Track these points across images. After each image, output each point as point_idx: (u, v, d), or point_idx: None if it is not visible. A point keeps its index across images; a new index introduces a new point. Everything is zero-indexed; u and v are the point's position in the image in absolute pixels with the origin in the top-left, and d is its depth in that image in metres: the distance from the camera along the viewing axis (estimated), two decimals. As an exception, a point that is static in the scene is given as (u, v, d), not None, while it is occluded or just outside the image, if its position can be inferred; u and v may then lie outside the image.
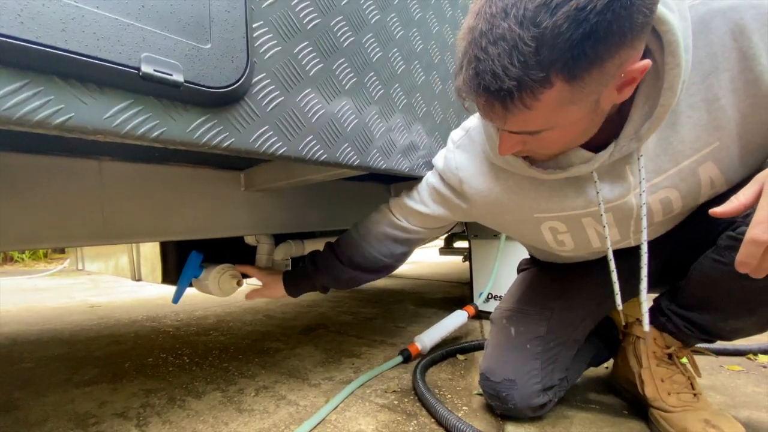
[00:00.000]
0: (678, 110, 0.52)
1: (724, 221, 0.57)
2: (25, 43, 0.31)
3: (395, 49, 0.70)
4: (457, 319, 1.22)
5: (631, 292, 0.78)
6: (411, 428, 0.72)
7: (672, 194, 0.57)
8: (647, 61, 0.42)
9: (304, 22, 0.53)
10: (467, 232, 1.56)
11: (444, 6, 0.84)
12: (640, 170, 0.53)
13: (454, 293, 2.12)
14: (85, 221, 0.72)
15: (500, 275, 1.43)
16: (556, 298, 0.79)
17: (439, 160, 0.72)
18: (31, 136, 0.58)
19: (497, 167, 0.65)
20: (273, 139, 0.50)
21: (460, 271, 3.05)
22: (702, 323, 0.65)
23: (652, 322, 0.75)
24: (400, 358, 1.04)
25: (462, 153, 0.68)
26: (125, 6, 0.37)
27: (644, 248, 0.55)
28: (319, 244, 1.16)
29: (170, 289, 0.99)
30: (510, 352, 0.75)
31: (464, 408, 0.80)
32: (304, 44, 0.53)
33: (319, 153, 0.57)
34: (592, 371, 0.94)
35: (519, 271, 0.96)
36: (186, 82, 0.40)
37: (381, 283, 2.54)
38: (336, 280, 0.82)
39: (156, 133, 0.40)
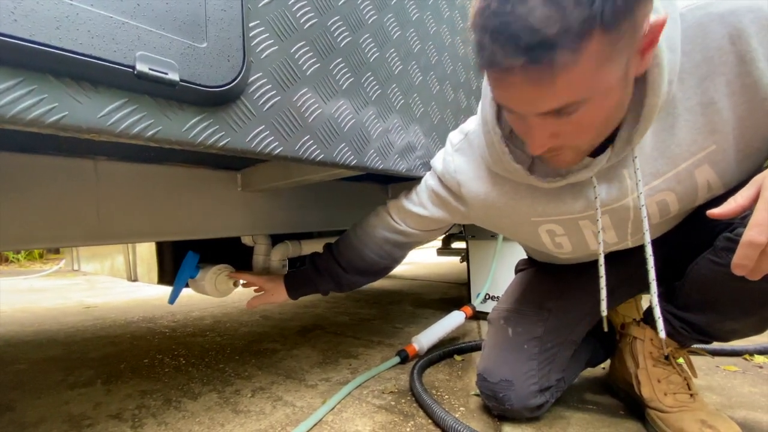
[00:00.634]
0: (675, 113, 0.52)
1: (721, 223, 0.57)
2: (18, 41, 0.31)
3: (392, 50, 0.70)
4: (454, 319, 1.22)
5: (626, 294, 0.78)
6: (408, 429, 0.72)
7: (669, 197, 0.57)
8: (664, 16, 0.41)
9: (301, 21, 0.53)
10: (465, 233, 1.56)
11: (441, 7, 0.84)
12: (636, 171, 0.53)
13: (452, 294, 2.12)
14: (81, 221, 0.72)
15: (497, 276, 1.43)
16: (553, 298, 0.79)
17: (437, 162, 0.72)
18: (26, 135, 0.57)
19: (495, 173, 0.65)
20: (269, 139, 0.50)
21: (458, 271, 3.05)
22: (699, 324, 0.65)
23: (648, 322, 0.75)
24: (397, 359, 1.04)
25: (460, 156, 0.68)
26: (120, 4, 0.36)
27: (648, 251, 0.54)
28: (316, 245, 1.15)
29: (166, 290, 0.98)
30: (507, 352, 0.75)
31: (461, 409, 0.80)
32: (300, 44, 0.53)
33: (316, 153, 0.57)
34: (589, 372, 0.95)
35: (516, 271, 0.96)
36: (181, 81, 0.39)
37: (378, 283, 2.54)
38: (338, 285, 0.82)
39: (151, 133, 0.40)
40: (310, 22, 0.54)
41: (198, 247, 0.96)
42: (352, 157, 0.63)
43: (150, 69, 0.37)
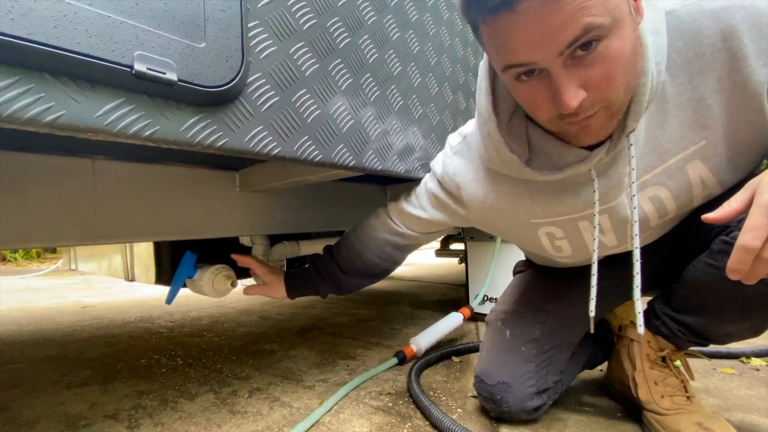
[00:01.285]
0: (666, 109, 0.52)
1: (718, 225, 0.57)
2: (15, 40, 0.31)
3: (392, 51, 0.70)
4: (452, 321, 1.22)
5: (625, 296, 0.78)
6: (405, 430, 0.72)
7: (662, 192, 0.57)
8: None
9: (300, 22, 0.53)
10: (463, 235, 1.56)
11: (441, 8, 0.84)
12: (630, 160, 0.52)
13: (450, 295, 2.12)
14: (78, 221, 0.71)
15: (496, 277, 1.43)
16: (551, 300, 0.79)
17: (437, 165, 0.72)
18: (23, 133, 0.57)
19: (493, 173, 0.64)
20: (268, 140, 0.50)
21: (456, 273, 3.05)
22: (695, 327, 0.65)
23: (645, 324, 0.75)
24: (395, 360, 1.04)
25: (459, 159, 0.68)
26: (118, 3, 0.36)
27: (636, 242, 0.54)
28: (314, 245, 1.15)
29: (164, 290, 0.98)
30: (505, 354, 0.75)
31: (459, 410, 0.80)
32: (300, 44, 0.53)
33: (315, 154, 0.57)
34: (586, 374, 0.95)
35: (515, 273, 0.96)
36: (179, 80, 0.39)
37: (377, 284, 2.54)
38: (337, 287, 0.82)
39: (148, 132, 0.40)
40: (310, 23, 0.54)
41: (196, 247, 0.96)
42: (351, 158, 0.63)
43: (148, 68, 0.37)
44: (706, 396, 0.83)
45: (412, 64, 0.75)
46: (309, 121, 0.55)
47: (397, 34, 0.71)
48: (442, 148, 0.84)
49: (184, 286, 0.95)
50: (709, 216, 0.42)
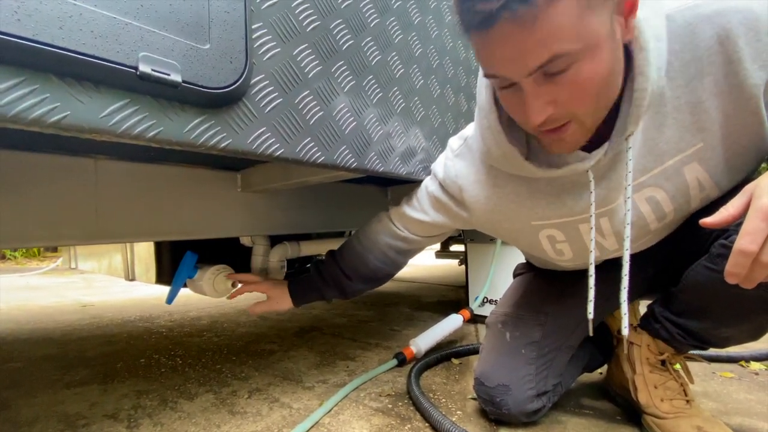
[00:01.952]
0: (664, 112, 0.53)
1: (717, 229, 0.57)
2: (21, 41, 0.31)
3: (394, 53, 0.70)
4: (452, 322, 1.22)
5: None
6: (405, 432, 0.72)
7: (659, 194, 0.57)
8: None
9: (304, 24, 0.53)
10: (463, 236, 1.56)
11: (443, 11, 0.84)
12: (628, 163, 0.52)
13: (450, 297, 2.12)
14: (79, 220, 0.71)
15: (496, 279, 1.43)
16: (551, 303, 0.79)
17: (438, 167, 0.72)
18: (26, 133, 0.57)
19: (495, 174, 0.65)
20: (270, 141, 0.50)
21: (456, 274, 3.05)
22: (695, 330, 0.65)
23: (645, 327, 0.75)
24: (394, 362, 1.04)
25: (461, 161, 0.68)
26: (124, 5, 0.36)
27: (627, 244, 0.54)
28: (315, 246, 1.15)
29: (164, 290, 0.98)
30: (505, 357, 0.75)
31: (458, 412, 0.80)
32: (303, 46, 0.53)
33: (317, 155, 0.57)
34: (586, 377, 0.95)
35: (515, 275, 0.96)
36: (184, 82, 0.39)
37: (376, 285, 2.54)
38: (342, 292, 0.82)
39: (152, 133, 0.40)
40: (313, 25, 0.54)
41: (196, 247, 0.96)
42: (353, 159, 0.63)
43: (153, 70, 0.37)
44: (705, 400, 0.83)
45: (415, 66, 0.75)
46: (312, 122, 0.55)
47: (399, 37, 0.71)
48: (443, 150, 0.84)
49: (185, 286, 0.96)
50: (706, 220, 0.42)
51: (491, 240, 1.45)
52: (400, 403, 0.83)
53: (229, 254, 1.06)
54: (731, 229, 0.55)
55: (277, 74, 0.50)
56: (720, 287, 0.56)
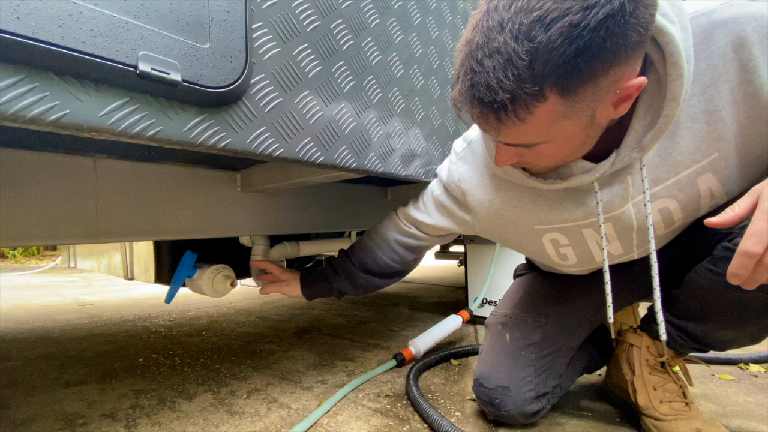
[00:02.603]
0: (678, 121, 0.52)
1: (720, 232, 0.57)
2: (21, 39, 0.31)
3: (394, 54, 0.70)
4: (451, 323, 1.21)
5: (624, 301, 0.78)
6: (403, 433, 0.72)
7: (671, 204, 0.57)
8: (642, 79, 0.42)
9: (304, 24, 0.53)
10: (463, 237, 1.56)
11: (444, 11, 0.84)
12: (643, 180, 0.53)
13: (449, 297, 2.12)
14: (79, 219, 0.71)
15: (495, 280, 1.43)
16: (551, 304, 0.79)
17: (443, 171, 0.73)
18: (25, 131, 0.57)
19: (498, 178, 0.65)
20: (270, 141, 0.50)
21: (456, 275, 3.05)
22: (695, 333, 0.65)
23: (645, 329, 0.75)
24: (393, 362, 1.04)
25: (464, 165, 0.69)
26: (123, 3, 0.36)
27: (653, 258, 0.55)
28: (314, 246, 1.15)
29: (163, 289, 0.98)
30: (504, 358, 0.75)
31: (457, 413, 0.79)
32: (303, 46, 0.53)
33: (317, 155, 0.57)
34: (585, 378, 0.95)
35: (515, 276, 0.96)
36: (183, 81, 0.39)
37: (376, 286, 2.54)
38: (353, 285, 0.82)
39: (152, 132, 0.40)
40: (313, 25, 0.54)
41: (195, 246, 0.96)
42: (353, 159, 0.63)
43: (152, 69, 0.37)
44: (704, 402, 0.83)
45: (415, 66, 0.75)
46: (311, 122, 0.55)
47: (400, 37, 0.71)
48: (443, 151, 0.84)
49: (184, 285, 0.95)
50: (712, 220, 0.42)
51: (491, 241, 1.45)
52: (398, 404, 0.83)
53: (229, 254, 1.06)
54: (735, 231, 0.55)
55: (277, 74, 0.50)
56: (722, 290, 0.56)
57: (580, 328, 0.77)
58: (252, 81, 0.47)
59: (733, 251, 0.52)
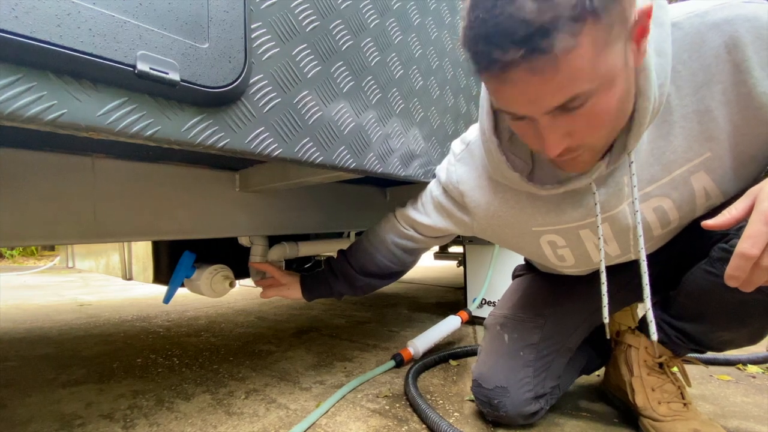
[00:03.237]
0: (671, 121, 0.52)
1: (717, 233, 0.57)
2: (19, 38, 0.30)
3: (393, 54, 0.70)
4: (450, 324, 1.21)
5: (623, 301, 0.79)
6: (402, 434, 0.72)
7: (666, 203, 0.57)
8: (648, 3, 0.41)
9: (303, 24, 0.53)
10: (462, 237, 1.56)
11: (443, 12, 0.84)
12: (632, 177, 0.53)
13: (448, 298, 2.12)
14: (77, 219, 0.71)
15: (494, 281, 1.43)
16: (550, 305, 0.79)
17: (441, 172, 0.73)
18: (23, 130, 0.57)
19: (496, 181, 0.65)
20: (269, 141, 0.50)
21: (455, 275, 3.05)
22: (693, 334, 0.65)
23: (643, 330, 0.75)
24: (392, 363, 1.04)
25: (462, 166, 0.69)
26: (122, 3, 0.36)
27: (642, 255, 0.54)
28: (313, 247, 1.15)
29: (161, 289, 0.98)
30: (503, 359, 0.75)
31: (456, 414, 0.79)
32: (302, 46, 0.53)
33: (316, 155, 0.57)
34: (583, 379, 0.95)
35: (514, 276, 0.96)
36: (182, 81, 0.39)
37: (375, 286, 2.53)
38: (352, 287, 0.83)
39: (150, 132, 0.40)
40: (312, 25, 0.54)
41: (194, 247, 0.96)
42: (352, 160, 0.63)
43: (151, 68, 0.37)
44: (702, 402, 0.83)
45: (414, 67, 0.75)
46: (310, 122, 0.55)
47: (399, 38, 0.71)
48: (442, 151, 0.84)
49: (182, 285, 0.95)
50: (708, 222, 0.42)
51: (490, 242, 1.45)
52: (397, 405, 0.83)
53: (228, 254, 1.06)
54: (732, 233, 0.55)
55: (275, 74, 0.50)
56: (719, 291, 0.56)
57: (579, 328, 0.77)
58: (251, 81, 0.47)
59: (729, 252, 0.52)
